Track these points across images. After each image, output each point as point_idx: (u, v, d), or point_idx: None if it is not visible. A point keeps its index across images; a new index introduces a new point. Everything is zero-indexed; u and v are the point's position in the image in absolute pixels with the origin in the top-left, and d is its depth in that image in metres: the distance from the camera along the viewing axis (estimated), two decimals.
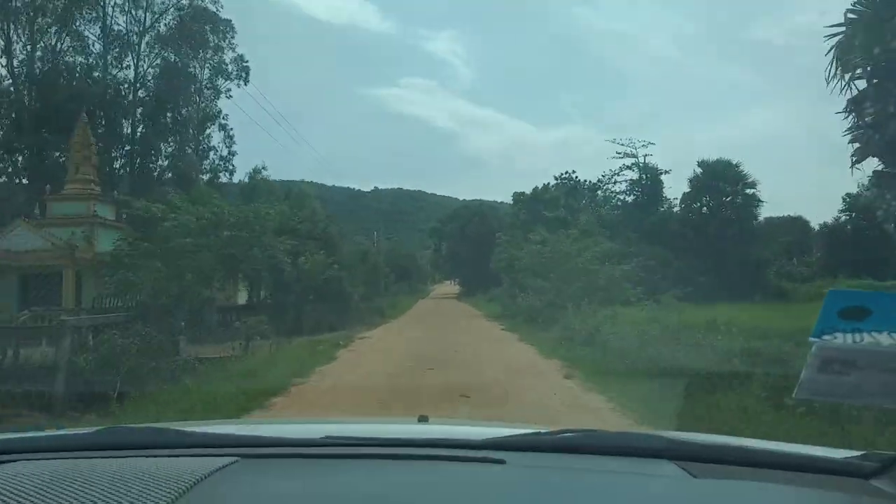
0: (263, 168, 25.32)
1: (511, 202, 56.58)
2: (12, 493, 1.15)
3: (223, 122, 23.18)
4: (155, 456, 1.49)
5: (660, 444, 1.24)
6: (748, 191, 31.34)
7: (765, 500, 1.28)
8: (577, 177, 42.54)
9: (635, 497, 1.35)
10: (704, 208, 31.55)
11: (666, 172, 35.72)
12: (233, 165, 23.17)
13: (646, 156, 38.06)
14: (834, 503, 1.32)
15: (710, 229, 28.85)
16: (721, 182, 31.03)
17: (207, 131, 27.38)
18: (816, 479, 1.42)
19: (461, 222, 73.20)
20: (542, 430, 1.70)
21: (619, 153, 37.87)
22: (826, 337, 0.91)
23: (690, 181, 32.92)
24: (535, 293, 20.21)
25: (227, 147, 21.48)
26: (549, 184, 39.98)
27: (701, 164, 33.83)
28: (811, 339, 0.89)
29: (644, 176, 37.07)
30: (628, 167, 39.32)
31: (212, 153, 29.65)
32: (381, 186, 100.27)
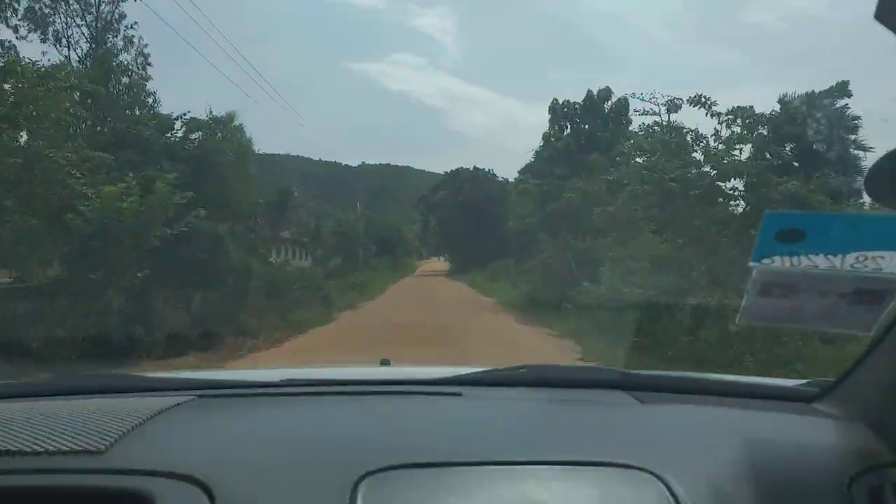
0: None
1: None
2: None
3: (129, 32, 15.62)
4: (110, 398, 1.46)
5: (610, 375, 1.27)
6: None
7: (711, 421, 1.33)
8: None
9: (589, 421, 1.38)
10: None
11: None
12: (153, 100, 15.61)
13: (669, 110, 28.83)
14: (777, 424, 1.33)
15: None
16: None
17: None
18: (761, 405, 1.45)
19: (451, 189, 66.61)
20: (500, 367, 1.66)
21: (639, 110, 29.47)
22: (765, 261, 0.92)
23: None
24: (619, 269, 10.63)
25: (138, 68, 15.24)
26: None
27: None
28: (751, 263, 0.91)
29: (671, 135, 33.55)
30: (650, 129, 30.70)
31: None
32: (368, 161, 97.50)
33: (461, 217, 55.38)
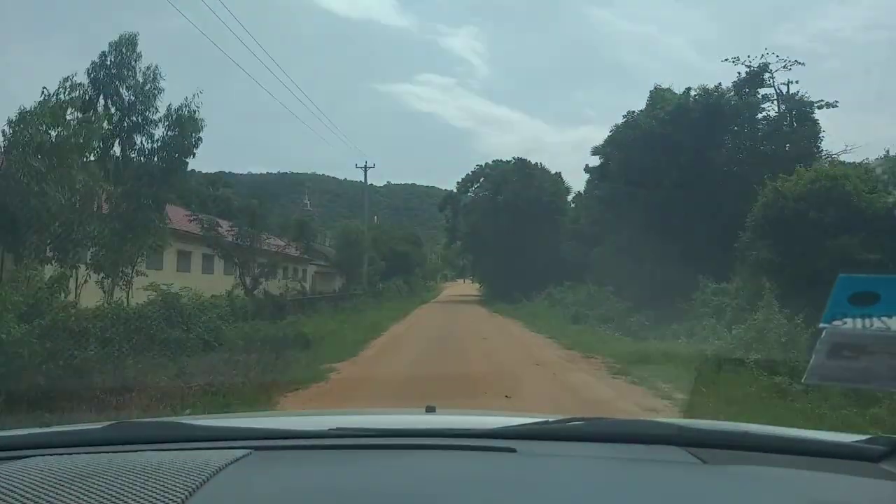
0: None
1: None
2: (25, 489, 1.12)
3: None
4: (166, 450, 1.46)
5: (668, 430, 1.27)
6: None
7: (775, 483, 1.30)
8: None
9: (647, 482, 1.34)
10: None
11: (828, 106, 21.95)
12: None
13: (789, 82, 22.67)
14: (844, 486, 1.30)
15: None
16: None
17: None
18: (826, 463, 1.41)
19: (488, 186, 48.77)
20: (551, 419, 1.67)
21: (749, 70, 22.61)
22: (836, 322, 0.94)
23: None
24: None
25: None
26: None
27: None
28: (821, 324, 0.93)
29: (787, 111, 22.92)
30: (759, 98, 23.13)
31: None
32: (393, 182, 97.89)
33: (501, 223, 41.34)
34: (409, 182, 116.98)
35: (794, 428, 1.69)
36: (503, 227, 39.92)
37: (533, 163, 44.57)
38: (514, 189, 41.44)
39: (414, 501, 1.14)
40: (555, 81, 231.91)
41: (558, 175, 44.01)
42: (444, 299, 51.72)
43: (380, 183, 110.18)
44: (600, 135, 34.76)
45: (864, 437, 1.43)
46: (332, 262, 40.40)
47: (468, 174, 52.80)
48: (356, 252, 38.18)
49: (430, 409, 1.86)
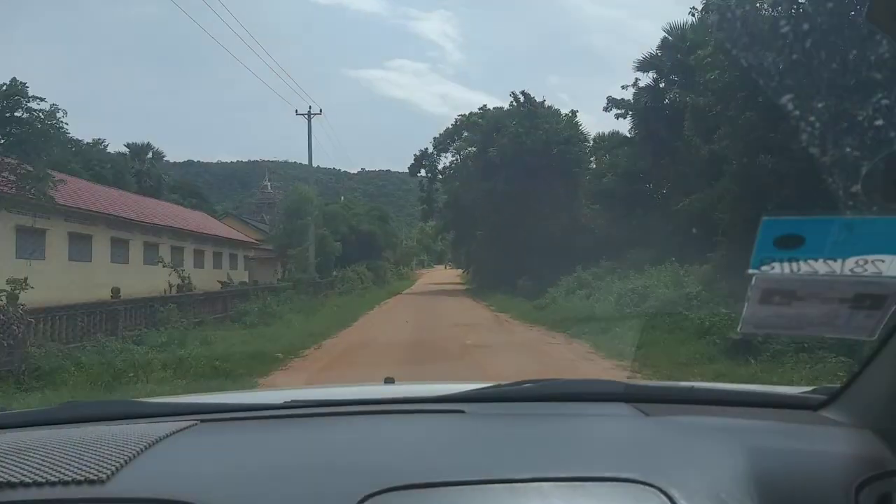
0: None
1: None
2: None
3: None
4: (115, 425, 1.46)
5: (615, 388, 1.26)
6: None
7: (719, 432, 1.33)
8: None
9: (592, 435, 1.37)
10: None
11: None
12: None
13: None
14: (785, 433, 1.34)
15: None
16: None
17: None
18: (767, 413, 1.45)
19: (478, 137, 38.74)
20: (504, 383, 1.69)
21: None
22: (764, 268, 0.93)
23: None
24: None
25: None
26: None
27: None
28: (750, 270, 0.91)
29: None
30: None
31: None
32: (368, 168, 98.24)
33: (494, 186, 32.33)
34: (385, 168, 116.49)
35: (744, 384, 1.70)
36: (497, 191, 31.52)
37: (539, 100, 34.93)
38: (511, 137, 31.79)
39: (364, 465, 1.15)
40: (529, 66, 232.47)
41: (573, 115, 33.94)
42: (420, 289, 43.71)
43: (354, 170, 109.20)
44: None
45: (806, 389, 1.45)
46: (275, 244, 34.14)
47: (447, 128, 43.63)
48: (300, 228, 30.95)
49: (389, 381, 1.87)
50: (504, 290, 27.07)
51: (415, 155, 44.56)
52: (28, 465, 1.14)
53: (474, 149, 36.68)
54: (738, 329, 1.20)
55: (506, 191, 30.58)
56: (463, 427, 1.45)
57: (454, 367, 9.89)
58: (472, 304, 26.66)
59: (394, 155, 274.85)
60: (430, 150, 43.23)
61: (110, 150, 46.96)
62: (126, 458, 1.16)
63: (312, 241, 30.94)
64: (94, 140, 46.15)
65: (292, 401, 1.61)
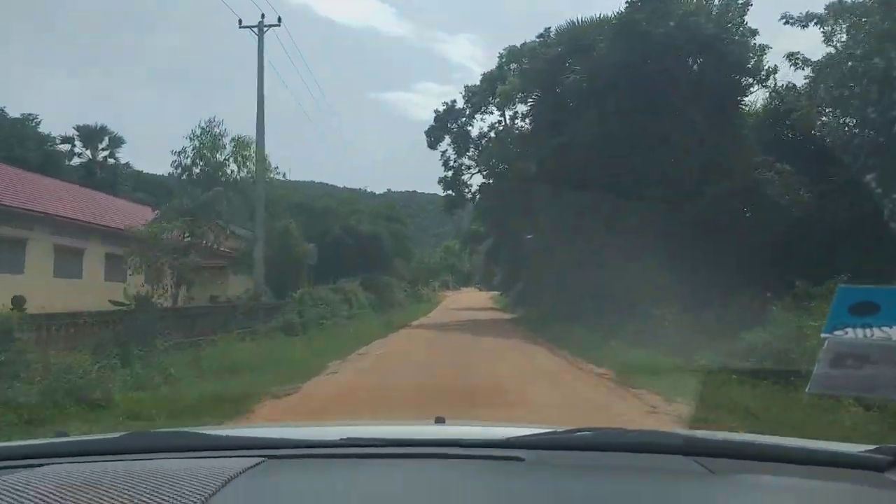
0: None
1: None
2: (42, 496, 1.14)
3: None
4: (180, 458, 1.49)
5: (674, 440, 1.28)
6: None
7: (783, 493, 1.30)
8: None
9: (655, 492, 1.32)
10: None
11: None
12: None
13: None
14: (850, 496, 1.31)
15: None
16: None
17: None
18: (832, 473, 1.38)
19: (548, 66, 24.19)
20: (560, 429, 1.67)
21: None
22: (837, 332, 0.96)
23: None
24: None
25: None
26: None
27: None
28: (823, 334, 0.95)
29: None
30: None
31: None
32: (393, 189, 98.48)
33: (573, 140, 20.07)
34: (411, 190, 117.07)
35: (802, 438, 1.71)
36: (574, 149, 19.89)
37: None
38: (611, 48, 20.13)
39: None
40: None
41: (743, 11, 21.53)
42: (441, 319, 33.95)
43: (379, 190, 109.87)
44: None
45: (870, 447, 1.44)
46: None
47: (486, 74, 31.56)
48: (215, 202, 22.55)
49: (440, 420, 1.90)
50: (587, 322, 17.46)
51: (435, 112, 32.90)
52: (102, 500, 1.13)
53: (526, 103, 26.64)
54: (807, 390, 1.23)
55: (593, 146, 18.89)
56: (523, 478, 1.48)
57: None
58: (555, 362, 15.36)
59: (419, 175, 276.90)
60: (462, 104, 32.45)
61: (69, 134, 40.78)
62: (205, 495, 1.19)
63: (261, 234, 21.65)
64: (22, 115, 39.48)
65: (349, 438, 1.72)
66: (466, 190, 32.85)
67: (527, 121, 24.96)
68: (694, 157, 16.14)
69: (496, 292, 52.74)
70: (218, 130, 19.41)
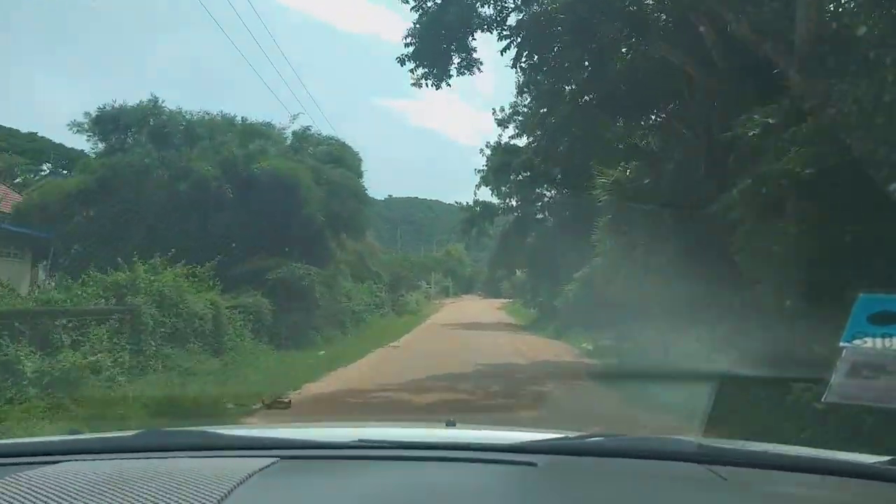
0: None
1: None
2: (60, 492, 1.15)
3: None
4: (196, 457, 1.51)
5: (688, 447, 1.30)
6: None
7: (795, 503, 1.32)
8: None
9: (668, 500, 1.33)
10: None
11: None
12: None
13: None
14: None
15: None
16: None
17: None
18: (845, 484, 1.38)
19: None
20: (571, 434, 1.69)
21: None
22: (856, 342, 0.98)
23: None
24: None
25: None
26: None
27: None
28: (842, 343, 0.97)
29: None
30: None
31: None
32: (395, 195, 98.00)
33: None
34: (412, 195, 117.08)
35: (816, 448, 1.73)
36: None
37: None
38: None
39: None
40: None
41: None
42: (429, 353, 18.94)
43: (380, 196, 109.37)
44: None
45: (885, 459, 1.45)
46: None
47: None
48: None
49: (451, 424, 1.92)
50: None
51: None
52: (118, 498, 1.15)
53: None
54: (823, 398, 1.24)
55: None
56: (535, 483, 1.49)
57: None
58: None
59: (422, 181, 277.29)
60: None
61: None
62: (222, 494, 1.19)
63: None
64: None
65: (361, 440, 1.73)
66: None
67: None
68: None
69: (505, 300, 46.84)
70: None
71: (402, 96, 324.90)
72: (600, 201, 14.11)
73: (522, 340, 20.17)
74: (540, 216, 31.59)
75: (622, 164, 14.15)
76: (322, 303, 20.07)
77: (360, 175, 24.15)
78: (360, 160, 24.25)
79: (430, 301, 51.33)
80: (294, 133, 23.71)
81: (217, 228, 18.63)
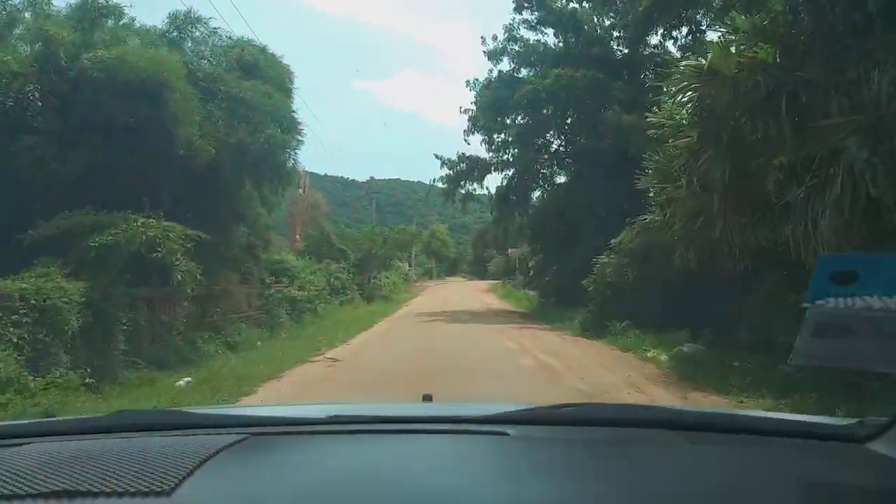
0: None
1: None
2: (28, 471, 1.15)
3: None
4: (168, 436, 1.50)
5: (658, 414, 1.29)
6: None
7: (763, 463, 1.32)
8: None
9: (635, 463, 1.35)
10: None
11: None
12: None
13: None
14: (831, 466, 1.33)
15: None
16: None
17: None
18: (813, 445, 1.42)
19: None
20: (544, 406, 1.70)
21: None
22: (819, 302, 0.97)
23: None
24: None
25: None
26: None
27: None
28: (804, 304, 0.95)
29: None
30: None
31: None
32: (377, 177, 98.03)
33: None
34: (394, 177, 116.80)
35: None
36: None
37: None
38: None
39: (409, 482, 1.21)
40: None
41: None
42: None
43: (362, 178, 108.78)
44: None
45: (852, 420, 1.46)
46: None
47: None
48: None
49: (427, 398, 1.90)
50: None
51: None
52: (90, 475, 1.18)
53: None
54: (789, 360, 1.24)
55: None
56: (508, 452, 1.51)
57: None
58: None
59: (403, 163, 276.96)
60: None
61: None
62: (186, 470, 1.20)
63: None
64: None
65: (334, 416, 1.74)
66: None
67: None
68: None
69: (494, 281, 42.95)
70: None
71: (380, 77, 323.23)
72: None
73: (543, 343, 13.90)
74: (545, 171, 25.22)
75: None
76: (196, 289, 12.20)
77: (288, 96, 17.45)
78: (289, 73, 17.86)
79: (409, 284, 46.40)
80: (170, 16, 15.96)
81: (17, 160, 11.31)
